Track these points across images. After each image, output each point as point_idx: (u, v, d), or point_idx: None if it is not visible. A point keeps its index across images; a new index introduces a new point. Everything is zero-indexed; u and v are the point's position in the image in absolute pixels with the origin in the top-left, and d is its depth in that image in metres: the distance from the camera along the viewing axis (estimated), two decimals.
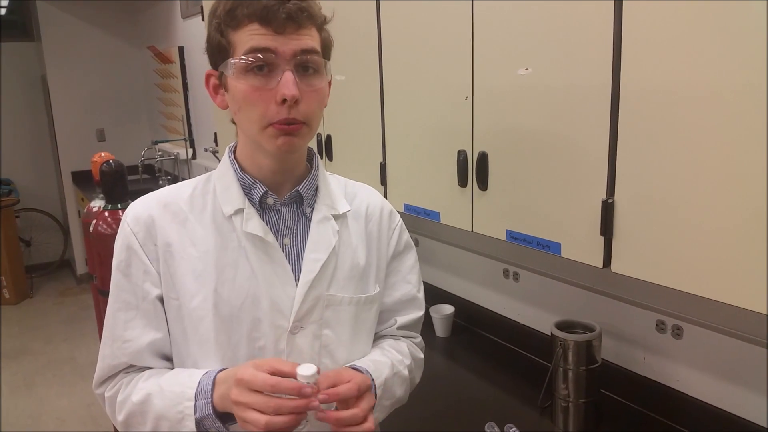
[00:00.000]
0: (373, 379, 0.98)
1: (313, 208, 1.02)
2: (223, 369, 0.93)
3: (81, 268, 5.54)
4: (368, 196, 1.13)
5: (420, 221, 1.72)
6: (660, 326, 1.54)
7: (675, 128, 1.01)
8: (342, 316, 1.01)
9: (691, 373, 1.49)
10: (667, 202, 1.04)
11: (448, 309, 2.13)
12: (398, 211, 1.74)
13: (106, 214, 2.70)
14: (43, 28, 5.26)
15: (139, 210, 0.98)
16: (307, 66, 0.90)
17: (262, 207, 0.99)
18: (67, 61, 5.40)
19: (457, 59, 1.44)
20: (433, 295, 2.23)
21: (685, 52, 0.98)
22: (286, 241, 1.00)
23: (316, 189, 1.04)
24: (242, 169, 0.99)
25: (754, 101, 0.89)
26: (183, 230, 0.97)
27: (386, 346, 1.12)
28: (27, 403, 3.64)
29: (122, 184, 2.77)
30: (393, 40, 1.68)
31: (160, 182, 4.75)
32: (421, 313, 1.18)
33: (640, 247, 1.10)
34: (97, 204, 2.86)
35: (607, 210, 1.14)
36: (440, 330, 2.11)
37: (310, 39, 0.90)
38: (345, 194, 1.09)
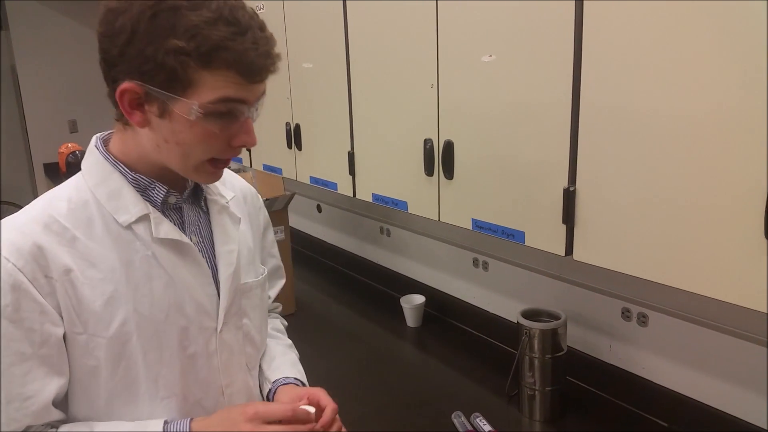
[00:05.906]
0: (304, 384, 1.09)
1: (205, 200, 0.98)
2: (191, 420, 0.89)
3: None
4: (237, 180, 1.12)
5: (390, 211, 1.71)
6: (625, 314, 1.55)
7: (636, 115, 1.01)
8: (253, 302, 1.03)
9: (657, 361, 1.50)
10: (627, 189, 1.04)
11: (419, 299, 2.13)
12: (368, 201, 1.73)
13: None
14: (12, 17, 5.14)
15: (18, 240, 0.81)
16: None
17: (163, 208, 0.91)
18: (38, 50, 5.27)
19: (422, 47, 1.43)
20: (404, 284, 2.23)
21: (648, 37, 0.97)
22: (194, 239, 0.94)
23: None
24: (132, 169, 0.89)
25: (715, 93, 0.90)
26: (75, 251, 0.84)
27: (277, 334, 1.21)
28: None
29: None
30: (360, 28, 1.66)
31: None
32: (284, 279, 1.26)
33: (602, 235, 1.10)
34: None
35: (569, 198, 1.14)
36: (411, 320, 2.10)
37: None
38: (222, 181, 1.04)
